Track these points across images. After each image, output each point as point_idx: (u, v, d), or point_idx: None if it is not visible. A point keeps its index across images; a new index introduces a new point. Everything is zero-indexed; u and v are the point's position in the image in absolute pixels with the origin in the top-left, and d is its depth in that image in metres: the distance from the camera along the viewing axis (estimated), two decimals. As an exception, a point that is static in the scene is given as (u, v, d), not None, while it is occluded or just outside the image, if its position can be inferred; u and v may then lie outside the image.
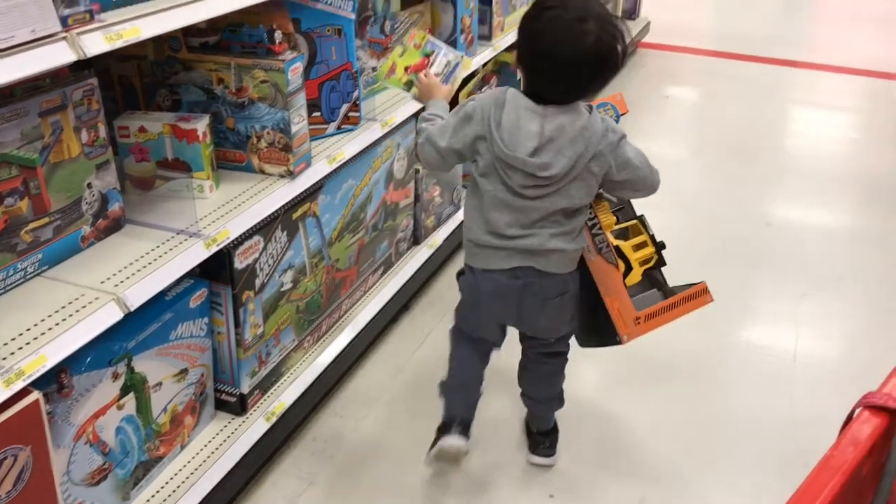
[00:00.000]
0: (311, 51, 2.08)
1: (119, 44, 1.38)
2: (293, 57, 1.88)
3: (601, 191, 1.87)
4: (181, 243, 1.68)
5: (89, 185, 1.60)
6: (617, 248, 1.94)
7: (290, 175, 1.96)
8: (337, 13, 2.09)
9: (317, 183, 2.08)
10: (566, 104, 1.71)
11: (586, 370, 2.49)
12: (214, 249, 1.74)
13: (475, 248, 1.86)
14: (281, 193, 1.94)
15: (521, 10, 3.34)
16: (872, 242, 3.37)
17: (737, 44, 5.99)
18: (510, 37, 3.22)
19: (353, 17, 2.12)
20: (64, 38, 1.29)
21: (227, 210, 1.83)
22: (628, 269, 1.96)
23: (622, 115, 2.03)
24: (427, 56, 2.23)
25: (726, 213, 3.58)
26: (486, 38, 3.09)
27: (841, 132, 4.62)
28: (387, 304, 2.56)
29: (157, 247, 1.66)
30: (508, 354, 2.12)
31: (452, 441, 1.98)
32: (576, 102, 1.73)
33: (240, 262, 1.87)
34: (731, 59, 5.71)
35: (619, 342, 1.98)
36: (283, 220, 2.00)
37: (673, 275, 2.07)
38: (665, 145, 4.16)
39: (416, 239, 2.78)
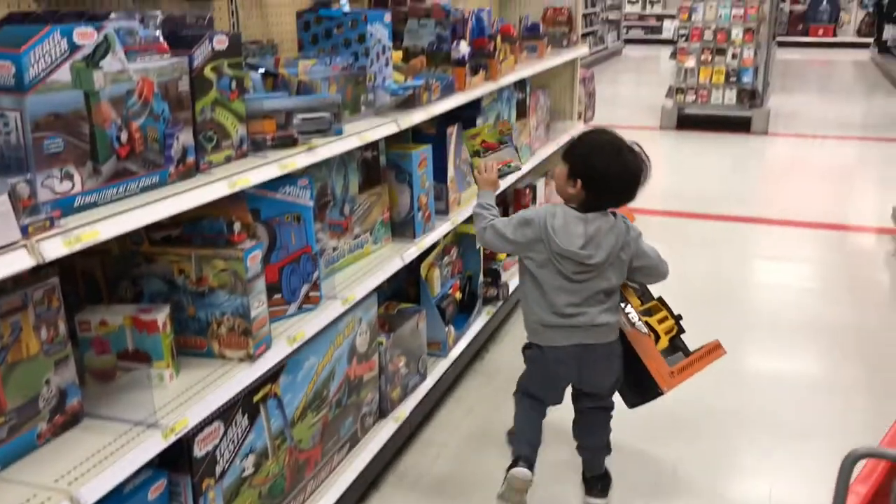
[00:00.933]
0: (271, 237, 2.17)
1: (78, 247, 1.45)
2: (252, 246, 1.96)
3: (627, 281, 2.54)
4: (139, 435, 1.69)
5: (47, 382, 1.62)
6: (646, 323, 2.55)
7: (251, 358, 1.99)
8: (295, 202, 2.20)
9: (277, 364, 2.11)
10: (601, 212, 2.43)
11: None
12: (173, 439, 1.74)
13: (540, 328, 2.50)
14: (241, 377, 1.96)
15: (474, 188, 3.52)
16: (838, 392, 3.42)
17: (691, 203, 6.26)
18: (466, 211, 3.37)
19: (311, 204, 2.23)
20: (24, 245, 1.35)
21: (186, 398, 1.85)
22: (656, 338, 2.57)
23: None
24: (500, 143, 2.87)
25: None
26: (444, 212, 3.23)
27: (800, 283, 4.76)
28: (353, 482, 2.52)
29: (115, 440, 1.66)
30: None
31: (520, 471, 2.48)
32: (607, 210, 2.43)
33: (199, 450, 1.86)
34: (687, 217, 5.95)
35: (661, 393, 2.57)
36: (244, 403, 2.02)
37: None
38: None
39: (382, 412, 2.78)
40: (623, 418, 2.76)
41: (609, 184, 2.40)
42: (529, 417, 2.63)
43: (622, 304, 2.54)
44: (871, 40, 16.50)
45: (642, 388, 2.60)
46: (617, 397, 2.70)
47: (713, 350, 2.62)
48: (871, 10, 17.82)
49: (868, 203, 6.35)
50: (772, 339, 3.97)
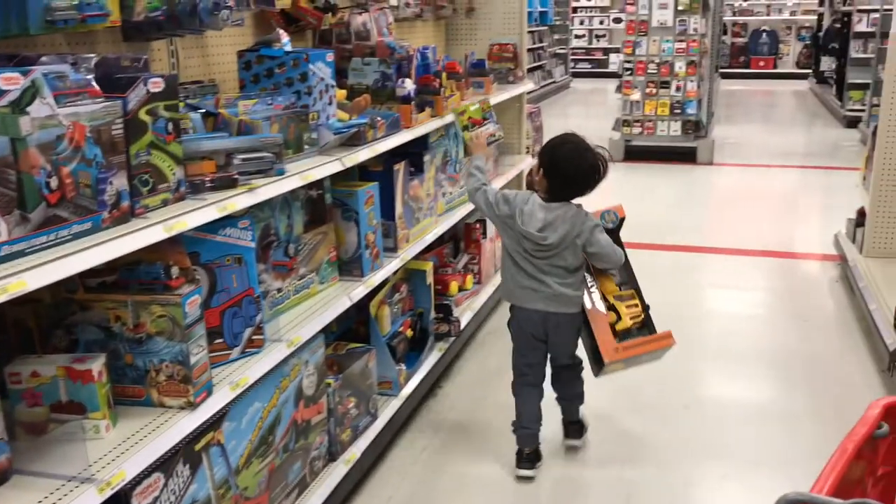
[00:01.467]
0: (212, 281, 2.12)
1: (3, 298, 1.39)
2: (190, 290, 1.91)
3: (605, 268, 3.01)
4: (72, 491, 1.62)
5: (-27, 439, 1.56)
6: (611, 306, 2.96)
7: (191, 406, 1.94)
8: (237, 243, 2.16)
9: (220, 410, 2.06)
10: (564, 202, 2.86)
11: None
12: (109, 493, 1.67)
13: (514, 288, 2.97)
14: (182, 426, 1.91)
15: (426, 221, 3.53)
16: (786, 419, 3.45)
17: (639, 233, 6.30)
18: (416, 247, 3.36)
19: (252, 245, 2.20)
20: (-56, 298, 1.30)
21: (123, 449, 1.79)
22: (619, 318, 2.96)
23: (622, 218, 3.08)
24: (483, 119, 3.48)
25: (644, 397, 3.63)
26: (392, 250, 3.20)
27: (748, 311, 4.83)
28: (303, 529, 2.47)
29: (46, 497, 1.60)
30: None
31: (524, 473, 3.01)
32: (570, 202, 2.87)
33: (138, 504, 1.80)
34: (636, 248, 5.99)
35: (604, 363, 2.90)
36: (185, 452, 1.96)
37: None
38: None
39: (332, 455, 2.73)
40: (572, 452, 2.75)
41: (565, 174, 2.85)
42: (527, 397, 3.04)
43: (590, 286, 2.99)
44: (809, 71, 17.02)
45: (596, 358, 2.98)
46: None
47: (663, 338, 2.98)
48: (808, 42, 18.41)
49: (812, 230, 6.49)
50: (720, 366, 4.02)
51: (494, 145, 3.51)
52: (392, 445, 3.21)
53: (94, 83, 1.71)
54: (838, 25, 12.97)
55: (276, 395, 2.35)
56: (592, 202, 2.95)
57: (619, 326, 2.95)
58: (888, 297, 4.11)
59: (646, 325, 3.02)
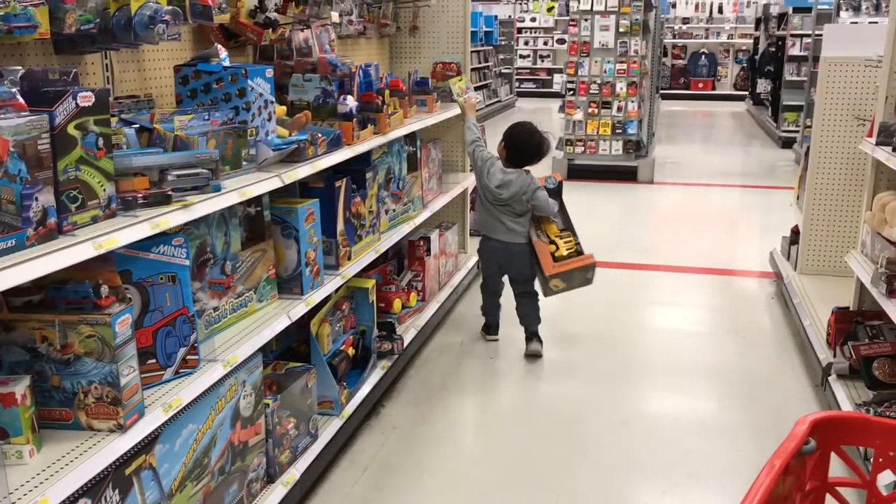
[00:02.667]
0: (144, 300, 2.07)
1: (-83, 319, 1.34)
2: (121, 310, 1.86)
3: (553, 218, 4.23)
4: (-9, 519, 1.56)
5: None
6: (552, 240, 4.16)
7: (121, 429, 1.88)
8: (170, 261, 2.11)
9: (152, 433, 2.01)
10: (517, 168, 4.12)
11: None
12: (31, 522, 1.61)
13: (484, 223, 4.23)
14: (111, 449, 1.85)
15: (369, 238, 3.51)
16: (724, 434, 3.50)
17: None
18: (358, 265, 3.34)
19: (187, 263, 2.15)
20: None
21: (48, 475, 1.73)
22: (557, 248, 4.14)
23: (560, 182, 4.35)
24: (467, 88, 4.53)
25: (584, 414, 3.65)
26: (334, 267, 3.17)
27: (688, 327, 4.90)
28: (239, 553, 2.41)
29: (-37, 527, 1.53)
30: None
31: (492, 338, 4.44)
32: (522, 168, 4.13)
33: (63, 532, 1.73)
34: (579, 264, 6.06)
35: (546, 277, 4.11)
36: (115, 477, 1.90)
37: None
38: (520, 352, 4.28)
39: (270, 477, 2.67)
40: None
41: (519, 148, 4.12)
42: (490, 299, 4.43)
43: (535, 226, 4.17)
44: (746, 93, 17.50)
45: (542, 278, 4.15)
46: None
47: (587, 258, 4.17)
48: (744, 65, 18.96)
49: (749, 248, 6.64)
50: (660, 382, 4.06)
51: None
52: (333, 466, 3.17)
53: (18, 96, 1.67)
54: (773, 49, 13.37)
55: (211, 416, 2.30)
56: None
57: (557, 254, 4.14)
58: (821, 313, 4.21)
59: (579, 255, 4.17)
